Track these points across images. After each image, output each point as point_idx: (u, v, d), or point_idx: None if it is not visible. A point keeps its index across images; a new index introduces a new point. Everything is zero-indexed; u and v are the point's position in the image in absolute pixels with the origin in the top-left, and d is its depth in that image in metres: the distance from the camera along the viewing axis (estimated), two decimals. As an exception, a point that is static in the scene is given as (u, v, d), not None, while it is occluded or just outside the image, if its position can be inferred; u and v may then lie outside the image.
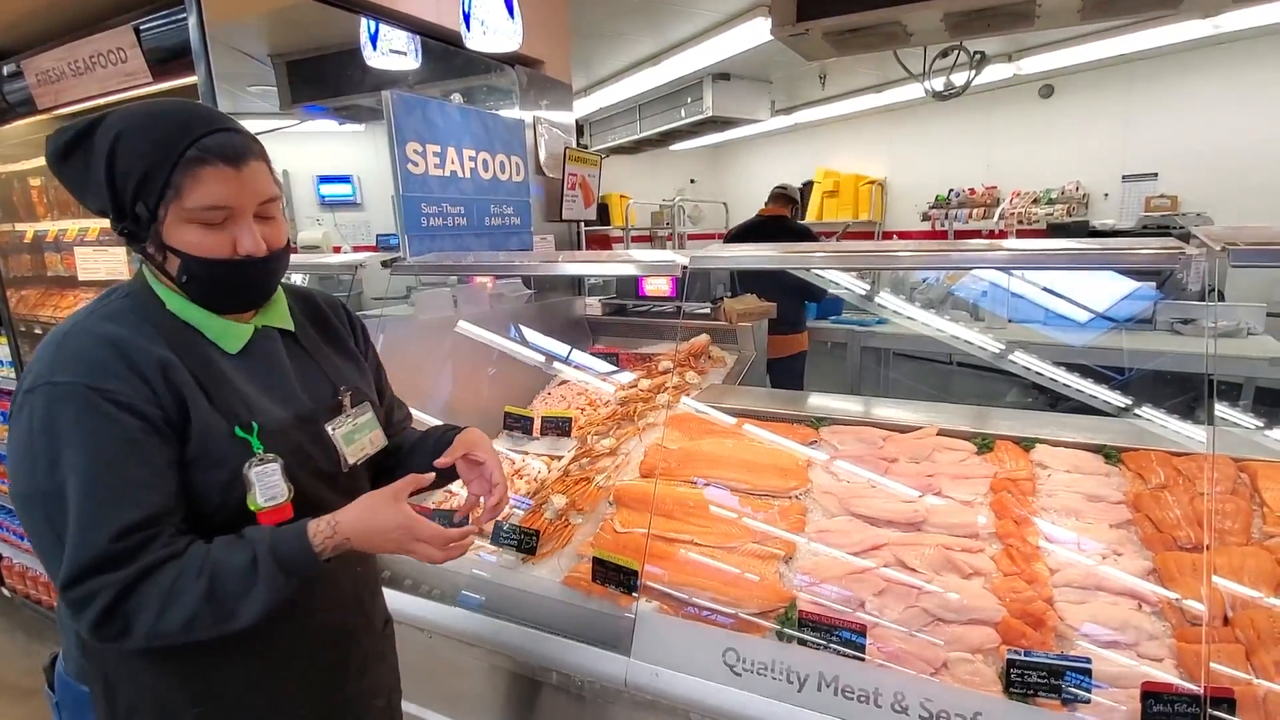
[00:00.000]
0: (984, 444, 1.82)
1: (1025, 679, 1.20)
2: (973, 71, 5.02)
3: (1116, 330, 4.08)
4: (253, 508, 0.97)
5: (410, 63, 2.27)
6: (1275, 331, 4.65)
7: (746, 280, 3.90)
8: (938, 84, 5.16)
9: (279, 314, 1.12)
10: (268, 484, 0.99)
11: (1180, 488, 1.53)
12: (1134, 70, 6.41)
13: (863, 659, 1.28)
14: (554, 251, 2.48)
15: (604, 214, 10.15)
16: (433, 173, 2.13)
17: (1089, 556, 1.45)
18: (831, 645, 1.30)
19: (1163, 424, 1.79)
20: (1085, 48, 5.75)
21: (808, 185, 9.87)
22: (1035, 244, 1.40)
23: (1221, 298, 5.41)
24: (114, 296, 1.01)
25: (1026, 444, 1.79)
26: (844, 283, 2.27)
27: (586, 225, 8.94)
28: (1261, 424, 1.75)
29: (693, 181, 12.10)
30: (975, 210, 7.83)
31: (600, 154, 9.15)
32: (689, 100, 6.56)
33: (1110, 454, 1.70)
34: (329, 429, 1.10)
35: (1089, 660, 1.18)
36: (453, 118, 2.18)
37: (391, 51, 2.20)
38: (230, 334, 1.03)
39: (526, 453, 2.27)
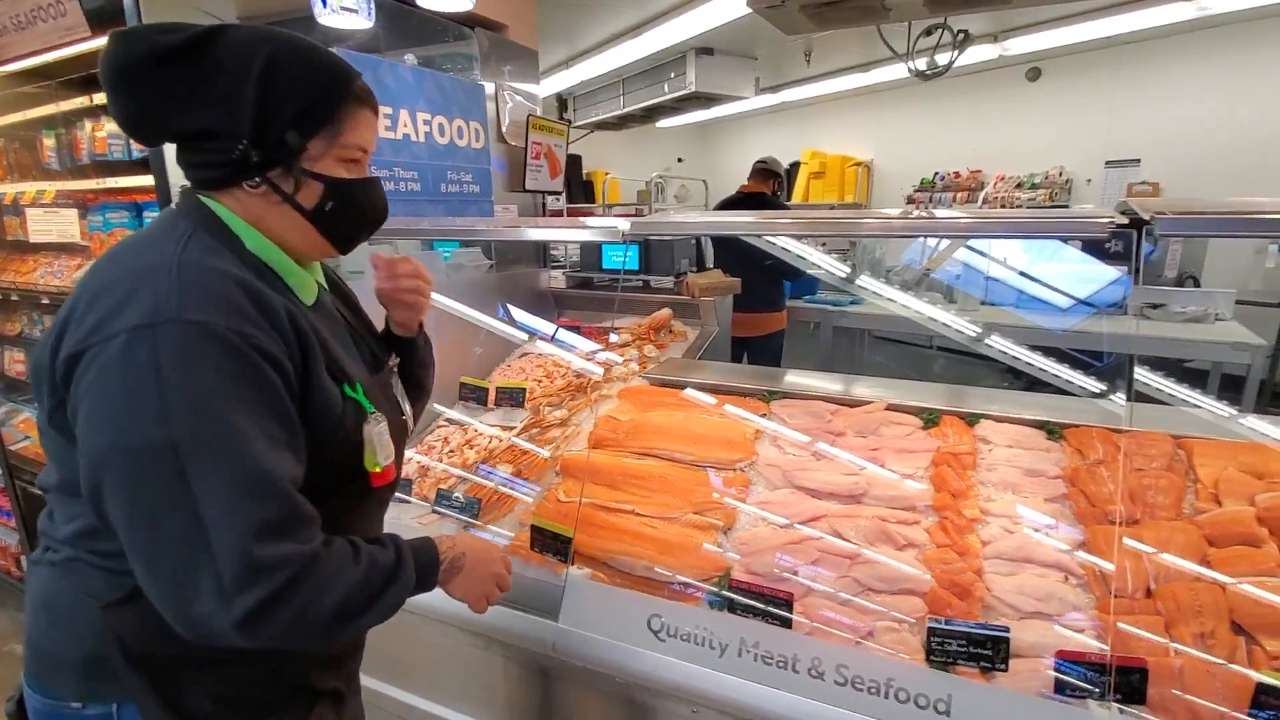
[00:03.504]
0: (930, 419, 1.82)
1: (945, 647, 1.20)
2: (956, 51, 4.97)
3: (1086, 314, 4.10)
4: (372, 468, 0.92)
5: (362, 21, 2.19)
6: (1243, 318, 4.69)
7: (721, 257, 3.86)
8: (921, 64, 5.11)
9: (319, 269, 1.04)
10: (384, 443, 0.95)
11: (1116, 463, 1.53)
12: (1120, 54, 6.38)
13: (789, 627, 1.29)
14: (501, 218, 2.43)
15: (589, 191, 10.07)
16: (383, 135, 2.07)
17: (1022, 529, 1.45)
18: (758, 613, 1.30)
19: (1108, 401, 1.79)
20: (1072, 29, 5.70)
21: (794, 166, 9.81)
22: (974, 213, 1.38)
23: (1196, 283, 5.44)
24: (182, 230, 0.84)
25: (971, 419, 1.79)
26: (816, 260, 2.23)
27: (569, 202, 8.86)
28: (1216, 403, 1.73)
29: (680, 160, 11.99)
30: (960, 194, 7.82)
31: (587, 128, 8.99)
32: (672, 75, 6.47)
33: (1052, 430, 1.70)
34: (394, 382, 1.12)
35: (1007, 629, 1.18)
36: (405, 79, 2.12)
37: (342, 9, 2.13)
38: (306, 285, 0.95)
39: (478, 423, 2.25)
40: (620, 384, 2.26)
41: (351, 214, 0.94)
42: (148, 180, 2.16)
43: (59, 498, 0.86)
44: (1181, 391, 1.76)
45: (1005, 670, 1.17)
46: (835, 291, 4.63)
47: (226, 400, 0.75)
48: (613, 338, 2.41)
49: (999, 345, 2.08)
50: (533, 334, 2.58)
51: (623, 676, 1.31)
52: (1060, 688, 1.11)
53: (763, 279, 3.80)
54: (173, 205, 0.90)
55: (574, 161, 10.45)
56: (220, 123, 0.83)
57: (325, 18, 2.17)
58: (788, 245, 2.09)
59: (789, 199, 9.67)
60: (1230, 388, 3.88)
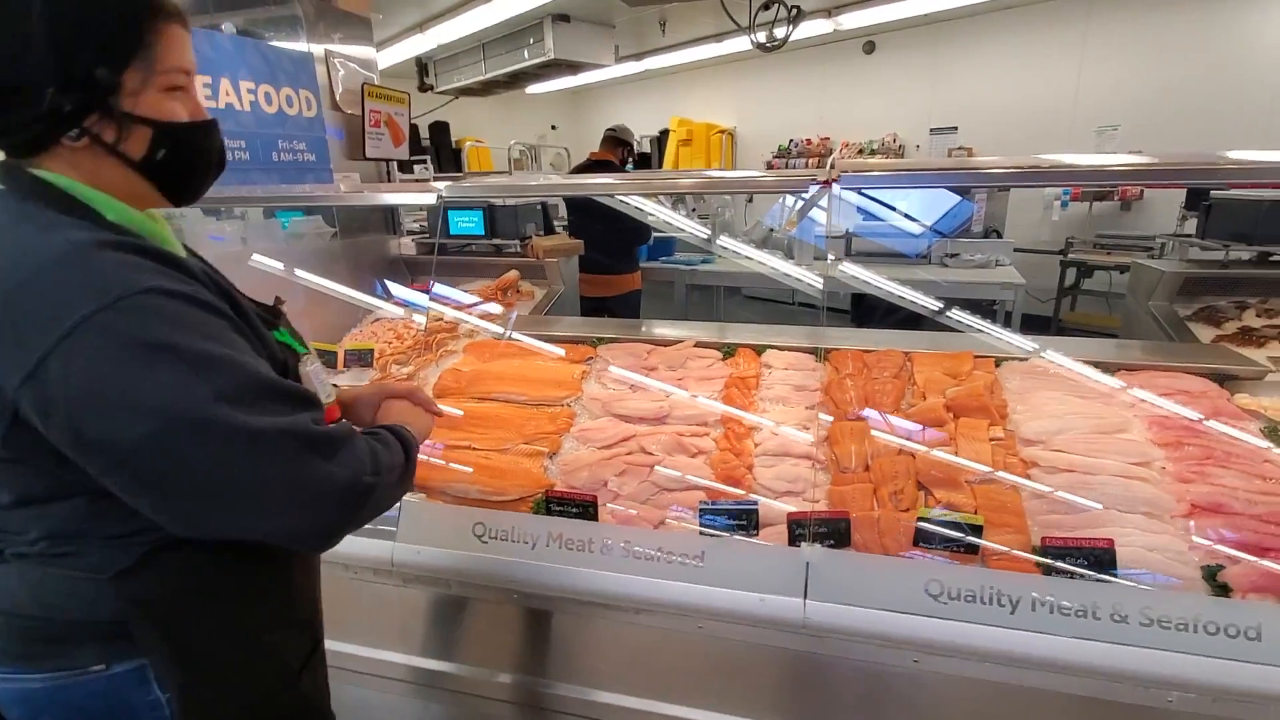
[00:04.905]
0: (728, 351, 2.13)
1: (713, 522, 1.51)
2: (790, 25, 5.37)
3: (900, 263, 4.67)
4: None
5: (173, -14, 2.16)
6: (1029, 263, 5.51)
7: (574, 222, 4.06)
8: (761, 36, 5.48)
9: (170, 232, 0.95)
10: (323, 381, 0.97)
11: (860, 375, 1.91)
12: (939, 31, 7.10)
13: (595, 522, 1.55)
14: (318, 184, 2.48)
15: (458, 159, 9.86)
16: (204, 103, 2.08)
17: (784, 431, 1.79)
18: (568, 513, 1.55)
19: (878, 331, 2.19)
20: (899, 5, 6.26)
21: (664, 133, 10.10)
22: (710, 173, 1.66)
23: (1000, 235, 6.22)
24: (32, 214, 0.76)
25: (760, 350, 2.12)
26: (680, 223, 2.42)
27: (439, 170, 8.58)
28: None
29: (554, 128, 11.96)
30: (812, 160, 8.43)
31: (451, 93, 8.73)
32: (531, 41, 6.48)
33: (820, 354, 2.06)
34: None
35: (755, 502, 1.51)
36: (224, 48, 2.13)
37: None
38: (174, 247, 0.88)
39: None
40: (467, 339, 2.43)
41: (187, 162, 0.87)
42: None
43: (6, 514, 0.82)
44: (972, 321, 2.05)
45: (757, 533, 1.50)
46: (690, 251, 4.97)
47: (228, 344, 0.77)
48: (433, 294, 2.54)
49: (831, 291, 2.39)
50: (406, 305, 2.65)
51: (454, 579, 1.53)
52: (791, 540, 1.45)
53: (615, 241, 4.04)
54: None
55: (441, 129, 10.19)
56: (15, 73, 0.73)
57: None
58: (655, 210, 2.29)
59: (659, 165, 9.98)
60: (1027, 324, 4.60)
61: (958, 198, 5.51)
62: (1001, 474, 1.54)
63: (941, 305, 1.91)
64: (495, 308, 2.60)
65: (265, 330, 0.89)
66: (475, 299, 2.71)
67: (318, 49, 2.62)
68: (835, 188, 1.39)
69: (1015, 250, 4.64)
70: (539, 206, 3.07)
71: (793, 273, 2.36)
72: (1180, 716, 1.18)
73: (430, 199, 1.71)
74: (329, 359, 2.39)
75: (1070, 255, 5.42)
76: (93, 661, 0.85)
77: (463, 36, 6.69)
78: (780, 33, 5.50)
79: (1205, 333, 2.14)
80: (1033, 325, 5.13)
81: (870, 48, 7.71)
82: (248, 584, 0.92)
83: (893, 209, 5.06)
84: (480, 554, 1.50)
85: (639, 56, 8.21)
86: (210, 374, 0.72)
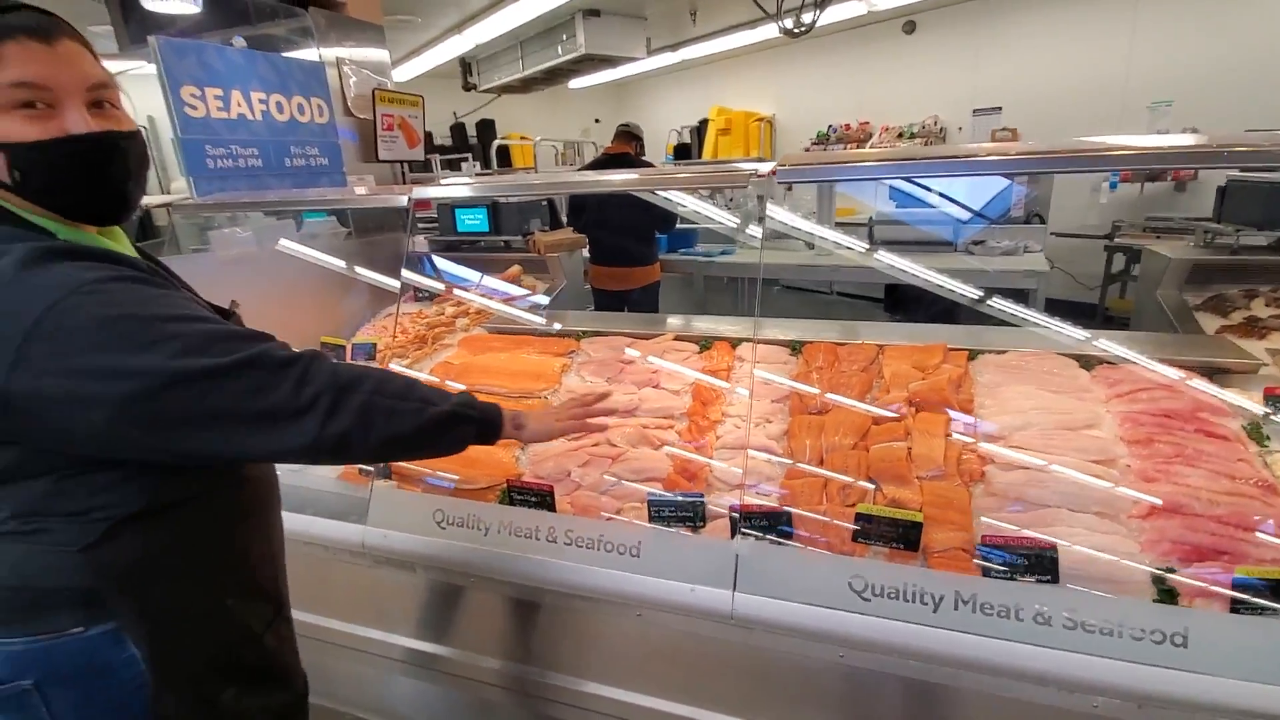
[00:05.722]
0: (705, 345, 2.16)
1: (660, 514, 1.55)
2: (817, 10, 5.27)
3: (923, 251, 4.55)
4: None
5: (190, 6, 2.33)
6: (1070, 248, 5.24)
7: (592, 214, 4.11)
8: (789, 22, 5.39)
9: (127, 244, 1.03)
10: None
11: (830, 369, 1.91)
12: (983, 6, 6.80)
13: (551, 510, 1.61)
14: (336, 189, 2.61)
15: (504, 156, 10.10)
16: (216, 115, 2.24)
17: (746, 423, 1.81)
18: (526, 502, 1.62)
19: (853, 320, 2.17)
20: (937, -16, 6.06)
21: (704, 123, 10.04)
22: (653, 171, 1.69)
23: (1042, 221, 5.97)
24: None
25: (736, 343, 2.14)
26: (699, 209, 2.45)
27: (484, 168, 8.77)
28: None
29: (597, 121, 12.05)
30: (851, 145, 8.22)
31: (494, 91, 8.90)
32: (564, 37, 6.57)
33: (795, 347, 2.06)
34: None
35: (702, 495, 1.54)
36: (234, 61, 2.28)
37: (167, -7, 2.25)
38: (126, 250, 0.97)
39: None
40: (463, 334, 2.53)
41: (60, 180, 0.86)
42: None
43: None
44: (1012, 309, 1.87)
45: (704, 525, 1.53)
46: (710, 242, 4.96)
47: (183, 308, 0.87)
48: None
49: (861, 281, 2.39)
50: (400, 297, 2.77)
51: (418, 561, 1.63)
52: (734, 533, 1.48)
53: (637, 230, 4.09)
54: None
55: (488, 126, 10.43)
56: None
57: (153, 3, 2.30)
58: (684, 200, 2.33)
59: (699, 156, 9.94)
60: (1062, 310, 4.41)
61: (1007, 181, 5.30)
62: (971, 443, 1.52)
63: (969, 294, 1.81)
64: (543, 298, 2.67)
65: None
66: (524, 290, 2.80)
67: (330, 56, 2.76)
68: (772, 180, 1.40)
69: (1058, 236, 4.43)
70: (544, 203, 3.14)
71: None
72: (1106, 721, 1.16)
73: (402, 201, 1.80)
74: (338, 352, 2.53)
75: (1116, 240, 5.13)
76: (70, 625, 0.93)
77: (499, 36, 6.84)
78: (807, 18, 5.40)
79: (1211, 323, 2.03)
80: (1075, 313, 4.89)
81: (910, 27, 7.46)
82: (205, 555, 1.01)
83: (944, 195, 4.91)
84: (440, 539, 1.58)
85: (674, 48, 8.18)
86: (172, 331, 0.82)
